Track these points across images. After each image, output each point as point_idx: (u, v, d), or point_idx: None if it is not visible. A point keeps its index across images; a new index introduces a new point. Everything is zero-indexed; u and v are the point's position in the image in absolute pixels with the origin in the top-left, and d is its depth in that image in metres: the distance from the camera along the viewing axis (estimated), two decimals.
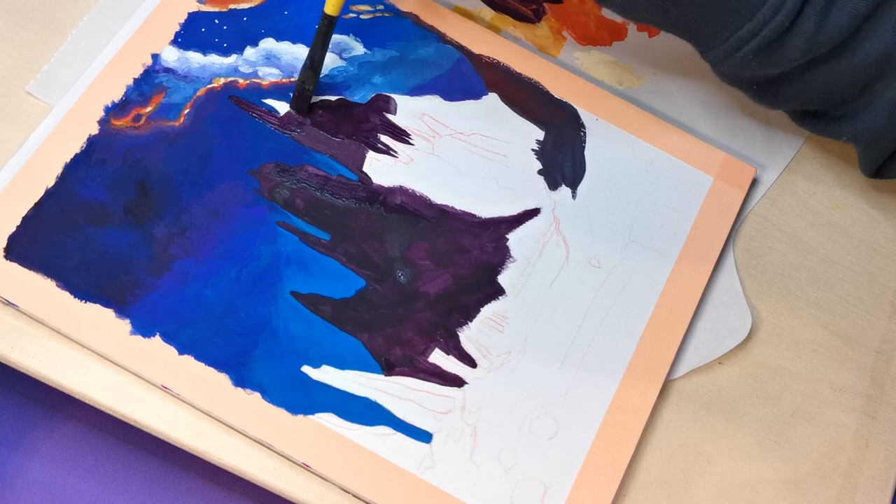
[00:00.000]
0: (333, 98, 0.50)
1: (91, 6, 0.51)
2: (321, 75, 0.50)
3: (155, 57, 0.50)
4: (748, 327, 0.48)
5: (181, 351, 0.44)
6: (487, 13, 0.55)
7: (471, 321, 0.46)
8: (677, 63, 0.55)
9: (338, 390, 0.44)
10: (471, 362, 0.46)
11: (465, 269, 0.47)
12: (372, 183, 0.49)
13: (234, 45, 0.51)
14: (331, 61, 0.51)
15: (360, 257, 0.47)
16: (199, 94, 0.49)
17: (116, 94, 0.49)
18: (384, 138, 0.50)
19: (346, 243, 0.47)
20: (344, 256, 0.47)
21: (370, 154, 0.49)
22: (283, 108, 0.49)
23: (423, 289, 0.47)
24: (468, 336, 0.46)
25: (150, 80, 0.49)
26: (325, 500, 0.43)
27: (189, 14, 0.51)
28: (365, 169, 0.49)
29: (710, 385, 0.48)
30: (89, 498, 0.76)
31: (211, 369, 0.44)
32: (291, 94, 0.49)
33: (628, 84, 0.54)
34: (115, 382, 0.44)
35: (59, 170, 0.47)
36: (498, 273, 0.48)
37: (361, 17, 0.53)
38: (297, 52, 0.51)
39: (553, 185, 0.50)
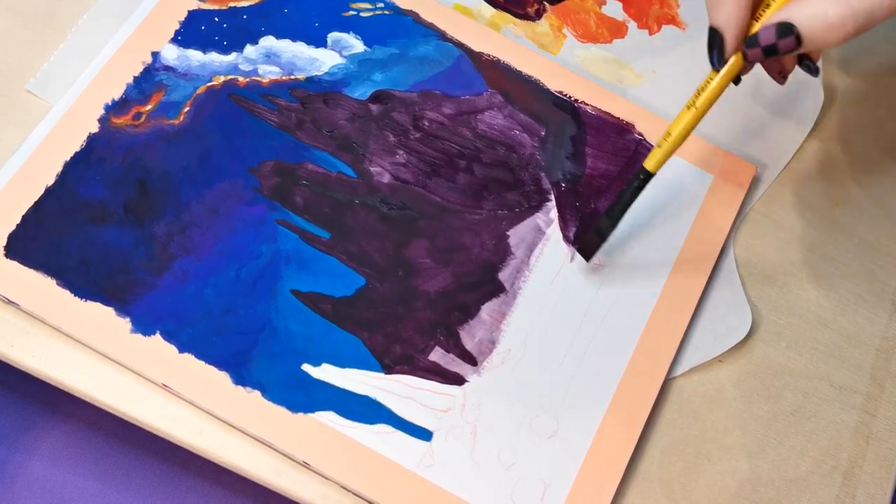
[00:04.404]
0: (333, 95, 0.50)
1: (91, 4, 0.51)
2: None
3: (155, 55, 0.50)
4: (748, 325, 0.48)
5: (181, 349, 0.44)
6: (487, 10, 0.55)
7: (471, 319, 0.46)
8: (678, 61, 0.55)
9: (338, 388, 0.44)
10: (471, 360, 0.46)
11: (466, 266, 0.47)
12: (372, 180, 0.49)
13: (234, 43, 0.51)
14: (331, 59, 0.51)
15: (360, 255, 0.47)
16: (199, 92, 0.49)
17: (116, 93, 0.49)
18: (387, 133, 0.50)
19: (346, 241, 0.47)
20: (344, 255, 0.47)
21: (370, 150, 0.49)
22: None
23: (423, 287, 0.47)
24: (468, 334, 0.46)
25: (150, 78, 0.49)
26: (326, 499, 0.43)
27: (189, 12, 0.51)
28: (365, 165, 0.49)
29: (710, 383, 0.48)
30: (89, 496, 0.76)
31: (211, 368, 0.44)
32: (578, 234, 0.48)
33: (629, 82, 0.54)
34: (116, 381, 0.44)
35: (59, 168, 0.47)
36: (498, 271, 0.48)
37: (361, 14, 0.53)
38: (296, 50, 0.51)
39: (554, 183, 0.50)
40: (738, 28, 0.39)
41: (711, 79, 0.41)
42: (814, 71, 0.42)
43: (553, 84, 0.52)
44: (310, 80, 0.51)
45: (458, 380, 0.45)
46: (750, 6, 0.39)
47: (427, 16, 0.53)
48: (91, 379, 0.44)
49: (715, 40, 0.40)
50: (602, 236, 0.46)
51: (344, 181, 0.48)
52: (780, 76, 0.43)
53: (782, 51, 0.37)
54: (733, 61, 0.40)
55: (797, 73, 0.54)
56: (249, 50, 0.51)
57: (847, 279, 0.51)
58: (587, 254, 0.47)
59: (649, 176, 0.44)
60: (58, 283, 0.44)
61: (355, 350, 0.45)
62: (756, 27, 0.39)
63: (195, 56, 0.50)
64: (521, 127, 0.51)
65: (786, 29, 0.36)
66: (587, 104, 0.52)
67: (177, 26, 0.51)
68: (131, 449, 0.78)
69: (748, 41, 0.38)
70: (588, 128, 0.51)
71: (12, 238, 0.45)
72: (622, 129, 0.51)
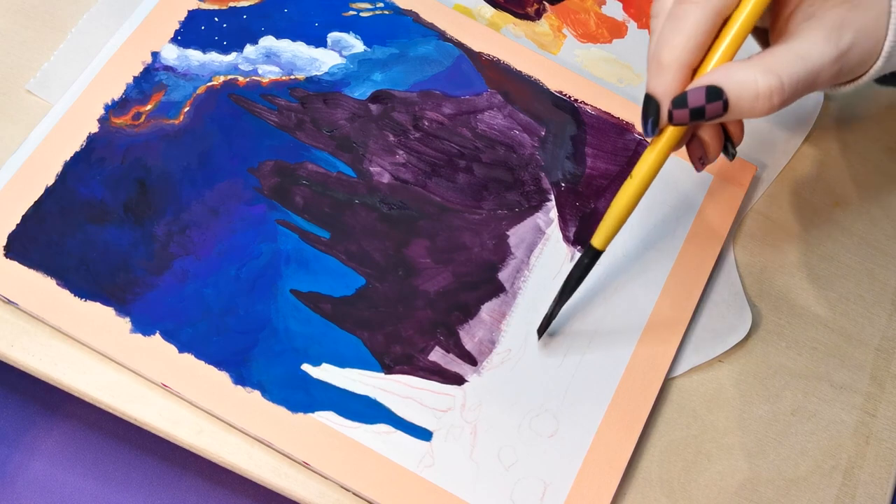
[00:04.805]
0: (333, 95, 0.50)
1: (91, 4, 0.51)
2: None
3: (155, 55, 0.50)
4: (748, 325, 0.48)
5: (181, 349, 0.44)
6: (487, 10, 0.55)
7: (471, 319, 0.46)
8: None
9: (338, 388, 0.44)
10: (471, 360, 0.46)
11: (466, 266, 0.47)
12: (372, 180, 0.49)
13: (233, 43, 0.51)
14: (331, 58, 0.51)
15: (360, 255, 0.47)
16: (198, 92, 0.49)
17: (116, 93, 0.49)
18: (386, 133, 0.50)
19: (346, 241, 0.47)
20: (344, 254, 0.47)
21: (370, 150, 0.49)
22: None
23: (423, 287, 0.47)
24: (468, 334, 0.46)
25: (150, 78, 0.49)
26: (325, 498, 0.43)
27: (189, 12, 0.51)
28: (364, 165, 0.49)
29: (710, 383, 0.48)
30: (89, 496, 0.76)
31: (211, 367, 0.44)
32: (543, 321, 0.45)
33: (628, 81, 0.54)
34: (115, 380, 0.44)
35: (58, 168, 0.47)
36: (498, 270, 0.48)
37: (361, 14, 0.53)
38: (296, 50, 0.51)
39: (554, 183, 0.50)
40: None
41: (650, 150, 0.39)
42: (731, 156, 0.41)
43: (553, 84, 0.52)
44: (310, 79, 0.51)
45: (458, 380, 0.45)
46: (691, 77, 0.37)
47: (427, 16, 0.53)
48: (91, 379, 0.44)
49: (650, 108, 0.37)
50: (551, 314, 0.45)
51: (344, 181, 0.48)
52: (700, 162, 0.41)
53: (709, 116, 0.36)
54: (670, 132, 0.38)
55: None
56: (249, 50, 0.51)
57: (847, 279, 0.51)
58: (538, 331, 0.46)
59: (598, 253, 0.42)
60: (58, 283, 0.44)
61: (355, 350, 0.45)
62: None
63: (195, 56, 0.50)
64: (520, 127, 0.51)
65: (715, 93, 0.35)
66: (587, 104, 0.52)
67: (177, 26, 0.51)
68: (131, 449, 0.78)
69: (676, 101, 0.36)
70: (588, 127, 0.51)
71: (12, 238, 0.45)
72: (622, 128, 0.51)
